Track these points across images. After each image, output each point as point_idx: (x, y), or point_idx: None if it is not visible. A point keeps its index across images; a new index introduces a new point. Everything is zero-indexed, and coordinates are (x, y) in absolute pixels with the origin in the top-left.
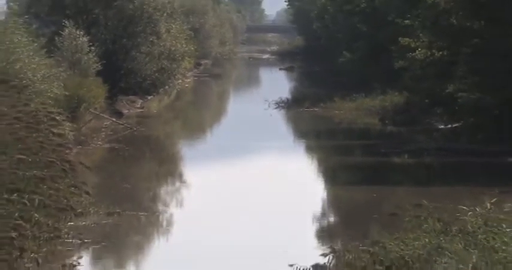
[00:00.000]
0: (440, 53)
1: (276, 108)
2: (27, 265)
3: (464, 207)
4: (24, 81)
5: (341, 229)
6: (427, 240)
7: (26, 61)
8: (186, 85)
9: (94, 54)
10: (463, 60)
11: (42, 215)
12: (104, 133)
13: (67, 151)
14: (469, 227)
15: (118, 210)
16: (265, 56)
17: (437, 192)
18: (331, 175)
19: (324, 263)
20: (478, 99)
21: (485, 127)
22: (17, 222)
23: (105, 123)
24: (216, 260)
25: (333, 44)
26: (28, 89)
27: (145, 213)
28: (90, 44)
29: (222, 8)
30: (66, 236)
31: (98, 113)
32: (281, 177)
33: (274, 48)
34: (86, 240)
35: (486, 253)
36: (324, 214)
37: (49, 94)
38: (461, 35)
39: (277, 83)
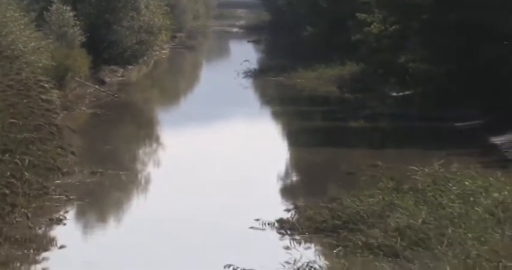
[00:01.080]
0: (393, 27)
1: (244, 77)
2: (18, 219)
3: (414, 168)
4: (15, 52)
5: (303, 187)
6: (380, 197)
7: (18, 34)
8: (163, 56)
9: (79, 27)
10: (413, 34)
11: (31, 174)
12: (87, 99)
13: (54, 116)
14: (419, 186)
15: (100, 170)
16: (235, 30)
17: (390, 154)
18: (294, 138)
19: (287, 218)
20: (426, 69)
21: (434, 95)
22: (9, 180)
23: (89, 90)
24: (187, 215)
25: (296, 18)
26: (19, 60)
27: (126, 172)
28: (76, 18)
29: None
30: (53, 193)
31: (82, 81)
32: (248, 140)
33: (243, 22)
34: (71, 197)
35: (434, 209)
36: (287, 173)
37: (38, 64)
38: (412, 11)
39: (246, 54)
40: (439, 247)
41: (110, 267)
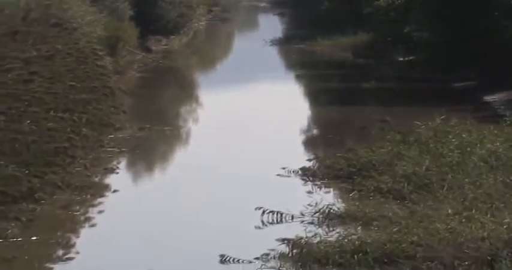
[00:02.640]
0: (399, 1)
1: (271, 45)
2: (77, 169)
3: (418, 123)
4: (74, 25)
5: (322, 140)
6: (389, 148)
7: (76, 9)
8: (201, 27)
9: (128, 3)
10: (417, 7)
11: (89, 130)
12: (136, 65)
13: (108, 79)
14: (423, 138)
15: (148, 126)
16: (262, 4)
17: (397, 110)
18: (314, 97)
19: (309, 166)
20: (428, 38)
21: (434, 59)
22: (69, 135)
23: (137, 57)
24: (222, 164)
25: None
26: (77, 31)
27: (170, 128)
28: None
29: None
30: (107, 146)
31: (131, 49)
32: (275, 99)
33: None
34: (123, 149)
35: (436, 158)
36: (308, 128)
37: (94, 35)
38: None
39: (272, 26)
40: (441, 191)
41: (157, 207)
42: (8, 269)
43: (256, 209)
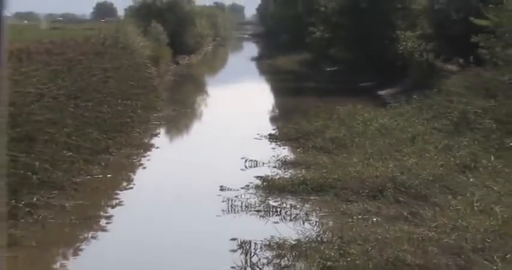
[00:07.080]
0: (327, 35)
1: (251, 60)
2: (134, 134)
3: (339, 107)
4: (133, 48)
5: (281, 117)
6: (321, 122)
7: (134, 38)
8: (209, 50)
9: (165, 35)
10: (338, 38)
11: (141, 111)
12: (170, 72)
13: (153, 80)
14: (341, 116)
15: (177, 108)
16: (246, 36)
17: (326, 100)
18: (276, 92)
19: (274, 133)
20: (345, 55)
21: (349, 69)
22: (130, 114)
23: (170, 67)
24: (221, 129)
25: (278, 29)
26: (135, 52)
27: (189, 109)
28: (164, 30)
29: (226, 12)
30: (153, 120)
31: (167, 63)
32: (252, 92)
33: (250, 32)
34: (162, 123)
35: (349, 128)
36: (273, 110)
37: (145, 54)
38: (337, 26)
39: (251, 49)
40: (351, 148)
41: (183, 156)
42: (94, 194)
43: (241, 158)
